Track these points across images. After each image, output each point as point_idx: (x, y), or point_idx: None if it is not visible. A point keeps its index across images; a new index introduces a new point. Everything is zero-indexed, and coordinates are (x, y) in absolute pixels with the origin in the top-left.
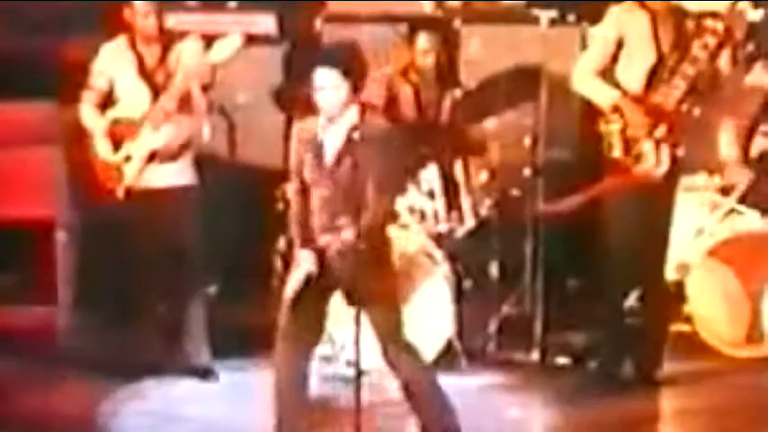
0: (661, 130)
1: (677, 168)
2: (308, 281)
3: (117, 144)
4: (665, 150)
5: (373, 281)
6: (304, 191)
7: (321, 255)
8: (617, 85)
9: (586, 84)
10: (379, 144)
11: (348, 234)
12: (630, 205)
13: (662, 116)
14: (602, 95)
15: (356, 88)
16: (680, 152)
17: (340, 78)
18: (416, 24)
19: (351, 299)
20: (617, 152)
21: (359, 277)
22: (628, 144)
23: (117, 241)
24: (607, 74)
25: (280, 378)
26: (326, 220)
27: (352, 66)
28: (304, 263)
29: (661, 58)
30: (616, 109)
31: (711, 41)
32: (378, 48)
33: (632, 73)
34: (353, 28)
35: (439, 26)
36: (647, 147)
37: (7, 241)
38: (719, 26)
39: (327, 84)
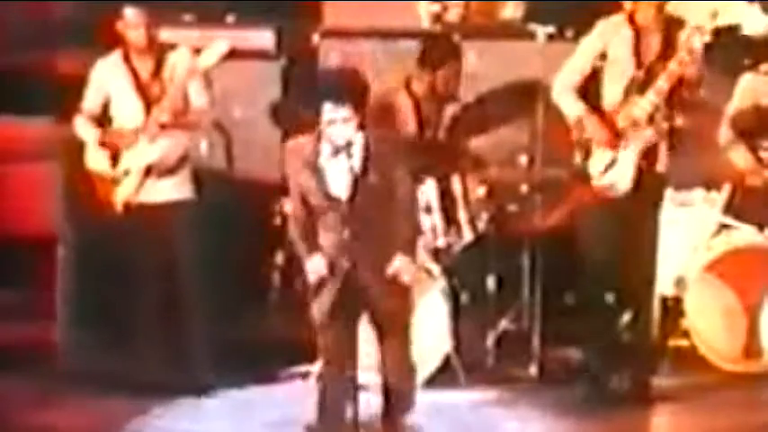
0: (621, 143)
1: (654, 183)
2: (337, 302)
3: (113, 155)
4: (634, 164)
5: (395, 299)
6: (305, 206)
7: (332, 263)
8: (597, 99)
9: (559, 95)
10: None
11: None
12: (609, 221)
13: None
14: (569, 108)
15: (360, 115)
16: (659, 167)
17: (349, 112)
18: (431, 47)
19: (374, 317)
20: (580, 161)
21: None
22: (589, 155)
23: (115, 257)
24: (591, 86)
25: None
26: (334, 239)
27: (359, 99)
28: (314, 269)
29: (639, 73)
30: (579, 122)
31: (686, 57)
32: (377, 60)
33: (612, 86)
34: (352, 42)
35: (448, 45)
36: (613, 159)
37: (6, 257)
38: (697, 42)
39: (337, 117)
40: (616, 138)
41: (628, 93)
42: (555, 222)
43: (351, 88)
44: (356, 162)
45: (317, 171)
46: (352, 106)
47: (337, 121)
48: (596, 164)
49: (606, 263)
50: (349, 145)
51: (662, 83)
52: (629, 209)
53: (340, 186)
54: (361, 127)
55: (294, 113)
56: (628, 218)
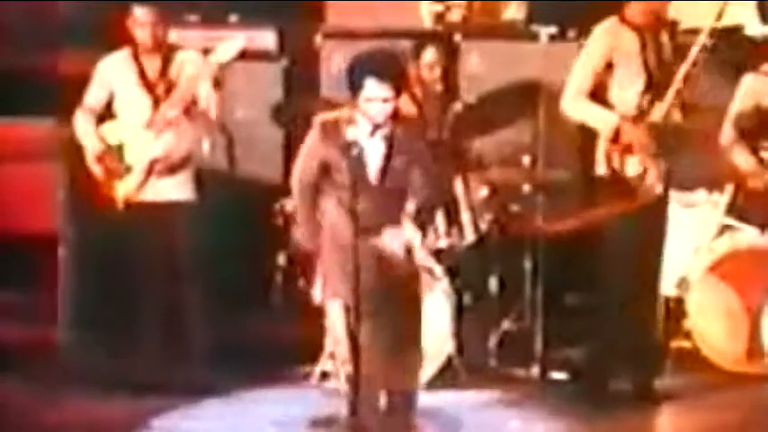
0: (654, 147)
1: (669, 182)
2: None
3: (106, 174)
4: (662, 167)
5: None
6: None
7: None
8: (610, 107)
9: (579, 107)
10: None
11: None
12: (623, 220)
13: (657, 134)
14: (601, 120)
15: (396, 100)
16: (671, 166)
17: (390, 92)
18: (421, 40)
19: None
20: (620, 170)
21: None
22: (624, 163)
23: (116, 257)
24: (599, 94)
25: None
26: (367, 225)
27: (399, 81)
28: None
29: (650, 77)
30: (617, 132)
31: (699, 56)
32: None
33: (623, 92)
34: (354, 43)
35: (442, 40)
36: (648, 165)
37: (7, 257)
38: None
39: (378, 96)
40: (651, 141)
41: (643, 97)
42: (571, 228)
43: (394, 69)
44: (386, 144)
45: (353, 149)
46: (393, 87)
47: (377, 99)
48: (631, 170)
49: (615, 263)
50: (382, 126)
51: (679, 85)
52: (645, 209)
53: (372, 167)
54: (393, 113)
55: (296, 114)
56: (644, 217)
